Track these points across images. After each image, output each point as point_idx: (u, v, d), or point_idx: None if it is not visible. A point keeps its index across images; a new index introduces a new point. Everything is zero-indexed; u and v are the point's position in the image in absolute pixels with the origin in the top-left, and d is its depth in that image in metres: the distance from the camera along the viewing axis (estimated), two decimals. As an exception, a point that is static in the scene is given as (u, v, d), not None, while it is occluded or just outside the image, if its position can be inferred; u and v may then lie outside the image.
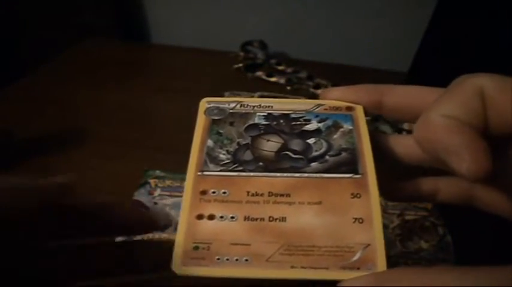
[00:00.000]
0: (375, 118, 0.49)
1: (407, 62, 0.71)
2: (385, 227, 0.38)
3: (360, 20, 0.71)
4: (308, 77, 0.65)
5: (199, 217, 0.17)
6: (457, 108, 0.15)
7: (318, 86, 0.63)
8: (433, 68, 0.60)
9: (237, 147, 0.19)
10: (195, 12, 0.77)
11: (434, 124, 0.16)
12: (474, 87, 0.16)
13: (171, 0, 0.77)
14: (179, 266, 0.15)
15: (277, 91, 0.61)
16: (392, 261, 0.35)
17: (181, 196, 0.18)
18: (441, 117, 0.16)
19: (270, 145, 0.19)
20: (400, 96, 0.19)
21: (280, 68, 0.68)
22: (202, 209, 0.17)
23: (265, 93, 0.59)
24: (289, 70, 0.67)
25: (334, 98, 0.21)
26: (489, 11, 0.55)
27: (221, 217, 0.17)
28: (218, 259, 0.15)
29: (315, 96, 0.39)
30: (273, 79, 0.64)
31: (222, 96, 0.47)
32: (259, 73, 0.65)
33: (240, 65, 0.67)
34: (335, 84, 0.59)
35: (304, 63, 0.68)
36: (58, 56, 0.71)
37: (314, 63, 0.70)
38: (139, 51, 0.77)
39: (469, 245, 0.36)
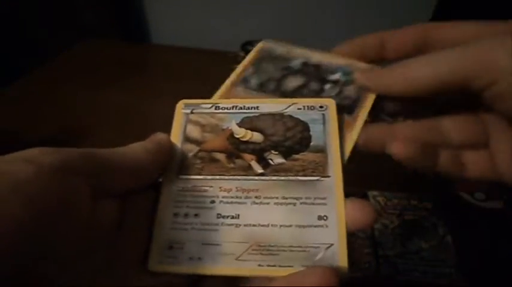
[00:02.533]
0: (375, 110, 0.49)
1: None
2: (385, 227, 0.38)
3: (360, 20, 0.71)
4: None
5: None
6: None
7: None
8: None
9: None
10: (195, 12, 0.77)
11: None
12: None
13: (171, 0, 0.76)
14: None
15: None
16: (392, 261, 0.35)
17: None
18: None
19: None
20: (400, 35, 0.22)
21: (280, 68, 0.67)
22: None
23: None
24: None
25: (343, 52, 0.23)
26: (489, 11, 0.55)
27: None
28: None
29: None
30: (273, 79, 0.64)
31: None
32: (259, 73, 0.65)
33: (240, 65, 0.67)
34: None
35: (304, 63, 0.68)
36: (58, 56, 0.71)
37: (314, 63, 0.70)
38: (139, 51, 0.77)
39: (469, 245, 0.36)
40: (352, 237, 0.37)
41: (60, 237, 0.13)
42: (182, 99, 0.22)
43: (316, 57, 0.23)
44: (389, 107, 0.21)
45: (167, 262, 0.16)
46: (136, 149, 0.18)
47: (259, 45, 0.23)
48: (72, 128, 0.52)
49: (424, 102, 0.21)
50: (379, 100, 0.21)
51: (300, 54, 0.24)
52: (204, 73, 0.67)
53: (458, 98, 0.20)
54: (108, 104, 0.58)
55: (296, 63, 0.23)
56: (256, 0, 0.73)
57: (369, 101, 0.21)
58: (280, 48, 0.24)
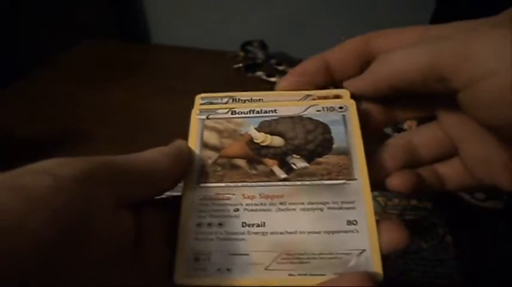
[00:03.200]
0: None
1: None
2: (385, 227, 0.38)
3: (360, 20, 0.71)
4: (308, 77, 0.65)
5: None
6: None
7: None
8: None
9: None
10: (195, 12, 0.77)
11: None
12: None
13: (171, 0, 0.76)
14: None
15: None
16: (392, 261, 0.35)
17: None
18: None
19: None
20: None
21: (280, 68, 0.67)
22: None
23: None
24: (289, 70, 0.67)
25: (283, 89, 0.21)
26: (489, 10, 0.55)
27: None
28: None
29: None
30: (273, 79, 0.64)
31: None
32: (259, 73, 0.65)
33: (240, 65, 0.67)
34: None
35: (304, 63, 0.68)
36: (58, 56, 0.71)
37: (314, 63, 0.70)
38: (139, 51, 0.77)
39: (469, 245, 0.36)
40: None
41: (82, 255, 0.13)
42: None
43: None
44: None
45: (195, 275, 0.16)
46: (155, 154, 0.17)
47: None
48: (72, 128, 0.52)
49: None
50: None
51: (247, 98, 0.21)
52: (204, 73, 0.67)
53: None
54: (108, 104, 0.58)
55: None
56: (256, 0, 0.73)
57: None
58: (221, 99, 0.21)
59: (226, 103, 0.21)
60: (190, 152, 0.19)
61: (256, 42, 0.70)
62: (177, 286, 0.16)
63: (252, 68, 0.66)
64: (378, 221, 0.16)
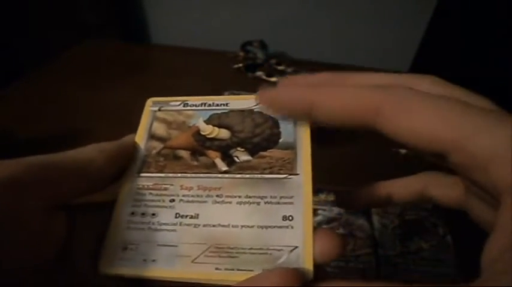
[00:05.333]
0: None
1: (408, 62, 0.71)
2: (385, 227, 0.38)
3: (360, 20, 0.71)
4: (308, 77, 0.65)
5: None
6: None
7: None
8: (433, 67, 0.60)
9: None
10: (195, 12, 0.77)
11: None
12: None
13: (171, 0, 0.76)
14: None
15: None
16: (392, 261, 0.35)
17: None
18: None
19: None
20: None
21: (280, 68, 0.68)
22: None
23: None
24: (289, 70, 0.67)
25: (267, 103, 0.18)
26: (489, 10, 0.55)
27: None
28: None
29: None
30: (273, 79, 0.64)
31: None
32: (259, 73, 0.65)
33: (240, 65, 0.67)
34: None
35: (304, 63, 0.68)
36: (58, 56, 0.71)
37: (314, 63, 0.70)
38: (139, 51, 0.77)
39: (469, 245, 0.36)
40: (351, 238, 0.37)
41: (10, 259, 0.12)
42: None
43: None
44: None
45: (119, 264, 0.15)
46: (89, 150, 0.17)
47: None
48: (72, 128, 0.52)
49: None
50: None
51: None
52: (204, 73, 0.67)
53: None
54: (108, 104, 0.58)
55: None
56: (256, 0, 0.73)
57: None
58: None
59: (178, 105, 0.20)
60: (132, 145, 0.18)
61: (256, 42, 0.70)
62: (102, 275, 0.15)
63: (252, 68, 0.66)
64: (314, 228, 0.15)
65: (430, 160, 0.15)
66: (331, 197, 0.40)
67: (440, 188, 0.19)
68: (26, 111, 0.55)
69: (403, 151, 0.47)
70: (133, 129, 0.20)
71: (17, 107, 0.56)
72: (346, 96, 0.15)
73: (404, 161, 0.46)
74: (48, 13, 0.79)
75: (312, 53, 0.73)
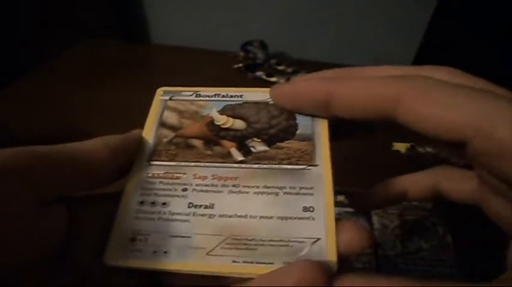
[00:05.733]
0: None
1: (408, 62, 0.71)
2: (385, 227, 0.38)
3: (360, 20, 0.71)
4: (308, 77, 0.65)
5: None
6: None
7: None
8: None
9: None
10: (195, 12, 0.77)
11: None
12: None
13: (171, 0, 0.76)
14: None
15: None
16: (392, 261, 0.35)
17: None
18: None
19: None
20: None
21: (280, 68, 0.67)
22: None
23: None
24: (289, 70, 0.67)
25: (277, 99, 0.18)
26: (489, 10, 0.55)
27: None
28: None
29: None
30: (273, 79, 0.64)
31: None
32: (259, 73, 0.65)
33: (240, 65, 0.67)
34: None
35: (304, 63, 0.68)
36: (58, 56, 0.71)
37: (314, 63, 0.70)
38: (139, 51, 0.77)
39: (469, 245, 0.36)
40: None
41: (1, 253, 0.12)
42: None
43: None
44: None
45: (127, 256, 0.14)
46: (94, 142, 0.16)
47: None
48: (72, 127, 0.52)
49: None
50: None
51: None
52: (204, 73, 0.67)
53: None
54: (108, 104, 0.58)
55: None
56: (256, 0, 0.73)
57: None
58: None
59: (190, 95, 0.20)
60: (139, 139, 0.18)
61: (256, 42, 0.70)
62: (108, 267, 0.14)
63: (252, 68, 0.66)
64: (337, 220, 0.15)
65: (443, 155, 0.15)
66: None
67: (453, 182, 0.19)
68: (26, 110, 0.55)
69: (403, 151, 0.47)
70: (134, 128, 0.19)
71: (17, 107, 0.56)
72: (366, 86, 0.15)
73: (408, 161, 0.46)
74: (48, 13, 0.79)
75: (312, 53, 0.73)
